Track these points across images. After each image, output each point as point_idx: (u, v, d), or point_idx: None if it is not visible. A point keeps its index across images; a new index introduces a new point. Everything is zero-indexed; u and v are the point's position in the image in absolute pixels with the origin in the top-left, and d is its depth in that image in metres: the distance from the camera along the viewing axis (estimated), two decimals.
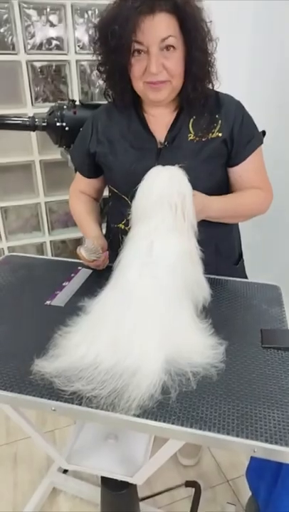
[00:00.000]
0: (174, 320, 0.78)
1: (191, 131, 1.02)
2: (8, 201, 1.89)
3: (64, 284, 1.04)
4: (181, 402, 0.67)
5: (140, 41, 0.90)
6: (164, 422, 0.63)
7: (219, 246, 1.12)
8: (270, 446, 0.59)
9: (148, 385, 0.68)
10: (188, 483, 1.29)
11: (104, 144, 1.07)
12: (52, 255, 2.07)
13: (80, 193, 1.21)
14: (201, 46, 0.94)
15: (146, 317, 0.75)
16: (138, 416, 0.64)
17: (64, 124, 1.40)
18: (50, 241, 2.04)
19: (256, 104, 1.92)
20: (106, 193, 1.21)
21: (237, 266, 1.21)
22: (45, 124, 1.43)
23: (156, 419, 0.63)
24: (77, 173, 1.20)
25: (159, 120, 1.05)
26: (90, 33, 1.00)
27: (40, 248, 2.06)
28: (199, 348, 0.77)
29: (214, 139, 1.02)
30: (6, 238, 1.95)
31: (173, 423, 0.63)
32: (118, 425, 0.65)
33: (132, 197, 0.88)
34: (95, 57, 1.00)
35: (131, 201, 0.88)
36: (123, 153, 1.04)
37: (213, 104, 1.03)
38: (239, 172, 1.07)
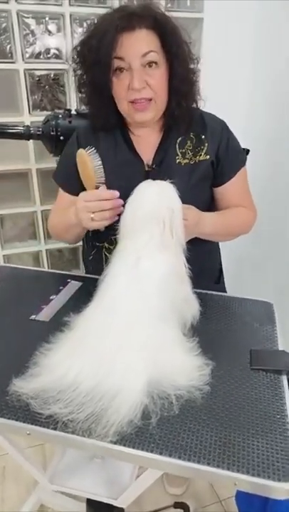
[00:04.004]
0: (159, 340, 0.75)
1: (178, 154, 1.01)
2: (4, 209, 1.87)
3: (51, 297, 1.02)
4: (161, 428, 0.64)
5: (121, 56, 0.89)
6: (142, 449, 0.60)
7: (201, 265, 1.10)
8: (251, 479, 0.56)
9: (128, 409, 0.65)
10: (177, 505, 1.25)
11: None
12: (48, 264, 2.05)
13: (59, 210, 1.13)
14: (183, 62, 0.93)
15: (130, 337, 0.73)
16: (115, 443, 0.61)
17: (59, 133, 1.39)
18: (46, 250, 2.02)
19: (259, 115, 1.91)
20: None
21: (219, 285, 1.20)
22: (39, 133, 1.42)
23: (133, 447, 0.61)
24: (59, 195, 1.14)
25: (145, 141, 1.03)
26: (70, 52, 0.98)
27: (36, 257, 2.04)
28: (184, 369, 0.74)
29: (202, 161, 1.01)
30: (2, 247, 1.93)
31: (151, 451, 0.60)
32: (94, 451, 0.62)
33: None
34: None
35: (116, 222, 0.86)
36: (109, 176, 1.01)
37: (198, 124, 1.03)
38: (224, 192, 1.06)
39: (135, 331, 0.73)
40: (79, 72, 0.98)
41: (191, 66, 0.98)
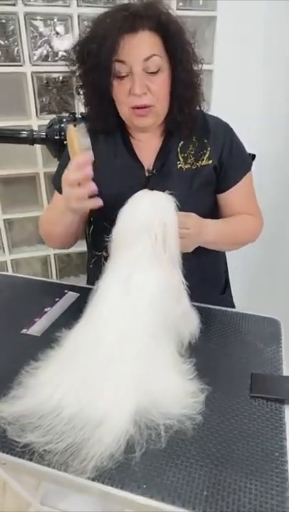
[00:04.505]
0: (151, 362, 0.70)
1: (180, 158, 0.96)
2: (12, 213, 1.86)
3: (46, 309, 0.98)
4: (145, 463, 0.58)
5: (122, 60, 0.84)
6: (122, 488, 0.55)
7: (205, 275, 1.05)
8: None
9: (111, 440, 0.60)
10: None
11: None
12: (56, 269, 2.02)
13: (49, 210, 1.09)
14: (187, 66, 0.87)
15: (118, 359, 0.68)
16: (93, 479, 0.56)
17: (62, 137, 1.35)
18: (55, 254, 1.99)
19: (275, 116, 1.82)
20: None
21: (224, 295, 1.13)
22: (44, 137, 1.39)
23: (112, 485, 0.55)
24: (54, 196, 1.09)
25: (146, 146, 0.98)
26: (68, 53, 0.93)
27: (44, 261, 2.02)
28: (176, 395, 0.68)
29: (205, 166, 0.95)
30: (10, 251, 1.91)
31: (131, 491, 0.55)
32: (70, 487, 0.57)
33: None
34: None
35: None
36: (108, 181, 0.97)
37: (201, 127, 0.97)
38: (228, 198, 1.00)
39: (123, 352, 0.68)
40: (77, 73, 0.94)
41: (195, 68, 0.93)
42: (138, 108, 0.88)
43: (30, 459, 0.59)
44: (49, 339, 0.83)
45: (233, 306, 1.22)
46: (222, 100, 1.83)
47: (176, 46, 0.86)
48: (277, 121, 1.78)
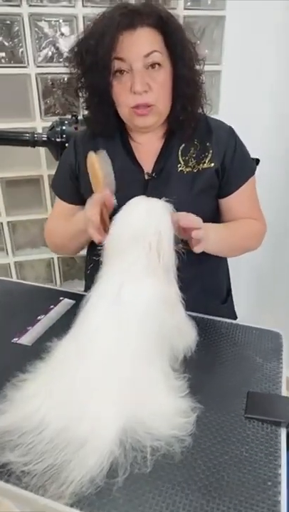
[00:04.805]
0: (140, 378, 0.66)
1: (181, 161, 0.92)
2: (16, 216, 1.84)
3: (39, 317, 0.95)
4: (128, 489, 0.55)
5: (121, 57, 0.81)
6: None
7: (206, 284, 1.01)
8: None
9: (94, 463, 0.57)
10: None
11: (85, 174, 0.99)
12: (60, 271, 2.00)
13: (57, 218, 1.07)
14: (189, 64, 0.84)
15: (105, 374, 0.65)
16: (71, 505, 0.53)
17: (64, 139, 1.33)
18: (58, 257, 1.97)
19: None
20: None
21: (225, 304, 1.09)
22: (45, 139, 1.37)
23: None
24: (56, 202, 1.08)
25: (147, 148, 0.95)
26: (67, 53, 0.91)
27: (48, 264, 2.00)
28: (166, 415, 0.65)
29: (206, 169, 0.92)
30: (13, 253, 1.90)
31: None
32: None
33: None
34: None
35: None
36: None
37: (203, 129, 0.93)
38: (230, 203, 0.95)
39: (110, 368, 0.65)
40: (76, 74, 0.91)
41: (197, 68, 0.90)
42: (139, 107, 0.85)
43: (7, 481, 0.56)
44: (39, 349, 0.80)
45: (235, 316, 1.18)
46: (230, 101, 1.79)
47: (176, 42, 0.84)
48: (287, 124, 1.73)
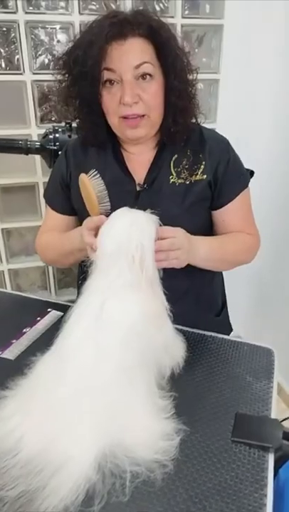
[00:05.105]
0: (121, 399, 0.63)
1: (173, 173, 0.90)
2: (11, 223, 1.83)
3: (25, 330, 0.93)
4: None
5: (111, 68, 0.79)
6: None
7: (199, 296, 0.98)
8: None
9: (69, 489, 0.54)
10: None
11: (77, 182, 0.97)
12: (55, 279, 1.98)
13: (50, 231, 1.04)
14: (181, 74, 0.82)
15: (84, 395, 0.62)
16: None
17: (57, 147, 1.31)
18: None
19: None
20: None
21: (219, 317, 1.06)
22: (38, 147, 1.35)
23: None
24: (47, 213, 1.06)
25: (139, 158, 0.93)
26: (55, 62, 0.89)
27: (42, 271, 1.98)
28: (148, 438, 0.62)
29: (198, 181, 0.89)
30: (7, 261, 1.88)
31: None
32: None
33: None
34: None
35: None
36: None
37: (197, 140, 0.91)
38: (222, 215, 0.93)
39: (90, 388, 0.62)
40: (64, 84, 0.89)
41: (190, 78, 0.87)
42: (129, 118, 0.83)
43: None
44: (22, 364, 0.77)
45: (230, 328, 1.15)
46: (228, 110, 1.78)
47: (167, 53, 0.81)
48: (287, 134, 1.71)
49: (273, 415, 0.70)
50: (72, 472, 0.56)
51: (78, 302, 0.71)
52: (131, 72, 0.80)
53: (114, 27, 0.78)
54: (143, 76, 0.81)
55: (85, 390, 0.62)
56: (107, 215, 0.76)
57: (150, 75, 0.81)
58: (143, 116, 0.84)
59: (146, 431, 0.62)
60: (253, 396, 0.74)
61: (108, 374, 0.63)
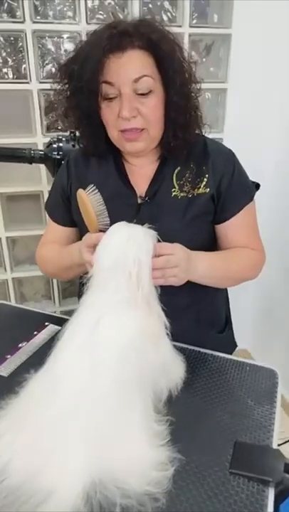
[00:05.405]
0: (113, 424, 0.60)
1: (175, 186, 0.87)
2: (16, 231, 1.82)
3: (21, 344, 0.90)
4: None
5: (109, 81, 0.77)
6: None
7: (201, 312, 0.95)
8: None
9: None
10: None
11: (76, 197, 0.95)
12: (59, 288, 1.96)
13: (51, 243, 1.03)
14: (181, 89, 0.80)
15: (74, 419, 0.59)
16: None
17: (61, 157, 1.30)
18: None
19: None
20: None
21: (223, 334, 1.02)
22: (42, 156, 1.34)
23: None
24: (48, 225, 1.05)
25: (141, 170, 0.91)
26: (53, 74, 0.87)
27: (47, 280, 1.96)
28: (141, 467, 0.59)
29: (201, 195, 0.87)
30: (12, 269, 1.87)
31: None
32: None
33: None
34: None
35: None
36: None
37: (200, 153, 0.88)
38: (226, 230, 0.90)
39: (80, 412, 0.59)
40: (64, 94, 0.88)
41: (192, 90, 0.84)
42: (127, 131, 0.81)
43: None
44: (16, 382, 0.75)
45: (235, 345, 1.11)
46: (236, 120, 1.75)
47: (168, 67, 0.79)
48: None
49: (275, 443, 0.67)
50: (58, 502, 0.53)
51: (73, 318, 0.69)
52: (129, 86, 0.77)
53: (113, 39, 0.76)
54: (142, 91, 0.78)
55: (75, 414, 0.59)
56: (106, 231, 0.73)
57: (150, 89, 0.78)
58: (142, 130, 0.82)
59: (138, 459, 0.59)
60: (254, 422, 0.70)
61: (100, 397, 0.60)
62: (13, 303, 1.89)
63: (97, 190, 0.78)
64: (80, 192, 0.78)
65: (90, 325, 0.65)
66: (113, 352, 0.63)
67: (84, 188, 0.79)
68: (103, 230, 0.75)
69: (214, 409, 0.73)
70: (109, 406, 0.60)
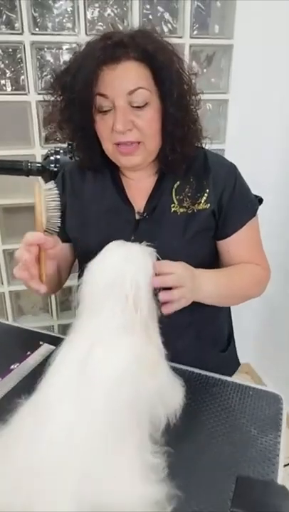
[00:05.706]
0: (104, 460, 0.56)
1: (174, 201, 0.84)
2: (13, 244, 1.79)
3: (12, 366, 0.86)
4: None
5: (103, 93, 0.74)
6: None
7: (203, 331, 0.91)
8: None
9: None
10: None
11: (73, 209, 0.91)
12: (56, 301, 1.92)
13: None
14: (179, 101, 0.77)
15: (62, 456, 0.55)
16: None
17: (58, 169, 1.28)
18: None
19: None
20: None
21: (225, 353, 0.98)
22: (39, 168, 1.32)
23: None
24: None
25: (138, 185, 0.88)
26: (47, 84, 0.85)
27: None
28: (134, 507, 0.54)
29: (201, 211, 0.83)
30: (9, 282, 1.84)
31: None
32: None
33: None
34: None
35: None
36: (94, 225, 0.87)
37: (200, 166, 0.85)
38: (227, 246, 0.87)
39: (67, 447, 0.55)
40: (57, 106, 0.85)
41: (191, 102, 0.82)
42: (122, 145, 0.78)
43: None
44: (6, 408, 0.70)
45: (238, 363, 1.07)
46: (238, 131, 1.73)
47: (165, 78, 0.76)
48: None
49: (280, 477, 0.62)
50: None
51: (63, 346, 0.64)
52: (124, 98, 0.74)
53: (106, 50, 0.73)
54: (138, 103, 0.75)
55: (63, 450, 0.55)
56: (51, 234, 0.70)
57: (146, 101, 0.76)
58: (139, 143, 0.79)
59: (132, 499, 0.54)
60: (257, 454, 0.66)
61: (90, 431, 0.56)
62: (9, 317, 1.86)
63: (56, 190, 0.70)
64: (35, 185, 0.69)
65: (80, 355, 0.61)
66: (105, 384, 0.59)
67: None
68: (49, 232, 0.71)
69: (215, 439, 0.69)
70: (99, 442, 0.56)
